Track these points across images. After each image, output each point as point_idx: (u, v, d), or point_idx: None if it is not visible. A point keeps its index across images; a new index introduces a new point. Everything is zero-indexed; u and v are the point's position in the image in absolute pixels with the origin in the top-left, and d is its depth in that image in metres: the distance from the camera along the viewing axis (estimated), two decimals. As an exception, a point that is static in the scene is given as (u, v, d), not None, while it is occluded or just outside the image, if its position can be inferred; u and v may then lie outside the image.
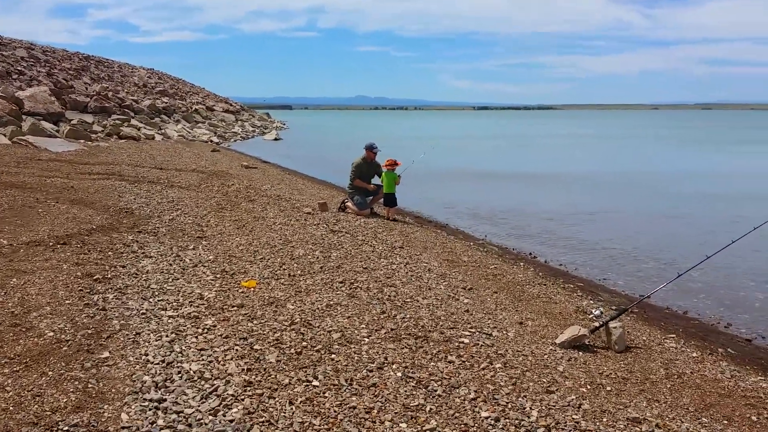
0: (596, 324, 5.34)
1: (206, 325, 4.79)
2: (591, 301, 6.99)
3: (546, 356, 4.91)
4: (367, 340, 4.77)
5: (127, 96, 42.13)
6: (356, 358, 4.39)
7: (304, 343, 4.56)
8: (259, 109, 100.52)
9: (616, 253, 10.31)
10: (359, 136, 56.36)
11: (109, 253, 6.83)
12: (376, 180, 11.72)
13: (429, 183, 19.90)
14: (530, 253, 10.09)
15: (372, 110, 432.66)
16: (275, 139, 44.41)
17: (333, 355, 4.39)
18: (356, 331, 4.93)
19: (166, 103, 48.00)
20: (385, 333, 4.97)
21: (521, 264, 8.91)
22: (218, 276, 6.27)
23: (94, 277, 5.81)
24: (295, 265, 6.98)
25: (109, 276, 5.93)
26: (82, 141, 22.70)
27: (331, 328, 4.93)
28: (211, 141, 35.61)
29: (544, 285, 7.47)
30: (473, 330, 5.30)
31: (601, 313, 5.37)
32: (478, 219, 13.57)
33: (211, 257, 7.05)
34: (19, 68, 33.07)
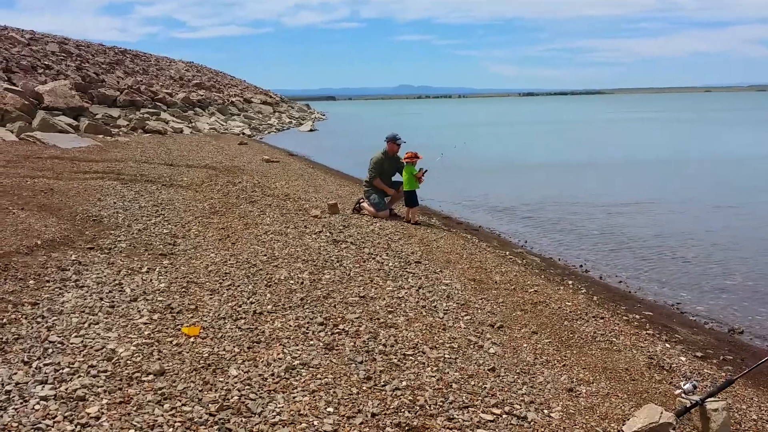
0: (686, 402, 3.52)
1: (88, 414, 3.16)
2: (667, 345, 5.13)
3: (611, 460, 3.14)
4: (328, 441, 3.07)
5: (161, 89, 41.28)
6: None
7: (224, 454, 2.89)
8: (301, 101, 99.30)
9: (688, 262, 8.35)
10: (397, 125, 54.73)
11: (31, 281, 5.28)
12: (399, 177, 10.01)
13: (463, 176, 18.07)
14: (581, 266, 8.22)
15: (415, 99, 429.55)
16: (310, 130, 43.05)
17: (260, 483, 2.71)
18: (316, 422, 3.23)
19: (202, 95, 47.20)
20: (362, 424, 3.27)
21: (570, 283, 7.05)
22: (156, 316, 4.65)
23: (-20, 324, 4.26)
24: (269, 295, 5.32)
25: (4, 320, 4.37)
26: (101, 136, 21.65)
27: (276, 418, 3.24)
28: (243, 133, 34.44)
29: (602, 318, 5.61)
30: (499, 409, 3.55)
31: (694, 387, 3.55)
32: (518, 219, 11.72)
33: (162, 285, 5.44)
34: (46, 62, 32.29)
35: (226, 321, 4.65)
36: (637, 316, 5.88)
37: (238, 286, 5.56)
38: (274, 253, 6.79)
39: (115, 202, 9.25)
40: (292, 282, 5.73)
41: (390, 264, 6.78)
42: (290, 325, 4.62)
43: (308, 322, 4.71)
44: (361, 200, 10.00)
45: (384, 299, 5.48)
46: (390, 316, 5.04)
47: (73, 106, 24.92)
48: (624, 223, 11.09)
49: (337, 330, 4.60)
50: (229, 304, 5.03)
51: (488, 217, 11.93)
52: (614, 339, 5.04)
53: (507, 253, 8.28)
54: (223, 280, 5.72)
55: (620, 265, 8.29)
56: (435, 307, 5.44)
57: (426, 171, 9.57)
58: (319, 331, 4.54)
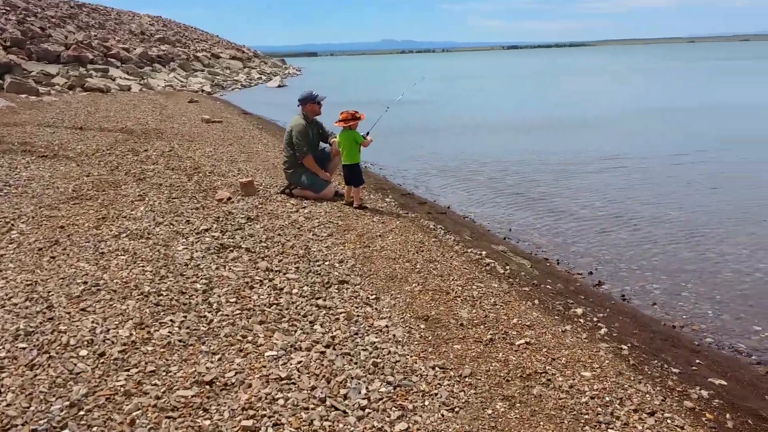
0: None
1: None
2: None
3: None
4: None
5: (117, 44, 37.94)
6: None
7: None
8: (279, 57, 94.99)
9: (747, 263, 5.84)
10: (372, 79, 51.53)
11: None
12: (322, 147, 7.50)
13: (436, 137, 15.41)
14: (590, 273, 5.68)
15: (399, 54, 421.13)
16: (279, 86, 39.97)
17: None
18: None
19: (164, 51, 43.94)
20: None
21: (579, 313, 4.47)
22: None
23: None
24: (12, 395, 2.75)
25: None
26: (23, 96, 18.93)
27: None
28: (203, 90, 31.48)
29: (651, 414, 3.06)
30: None
31: None
32: (500, 195, 9.12)
33: None
34: (-23, 15, 28.95)
35: None
36: (705, 394, 3.33)
37: (-21, 364, 2.98)
38: (103, 276, 4.19)
39: (-62, 186, 6.59)
40: (84, 353, 3.15)
41: (295, 290, 4.21)
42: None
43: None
44: (292, 187, 7.34)
45: (251, 386, 2.93)
46: (240, 441, 2.50)
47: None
48: (640, 199, 8.55)
49: None
50: None
51: (462, 192, 9.32)
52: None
53: (484, 254, 5.69)
54: (-35, 347, 3.14)
55: (645, 268, 5.77)
56: (346, 397, 2.91)
57: (371, 140, 6.97)
58: None
